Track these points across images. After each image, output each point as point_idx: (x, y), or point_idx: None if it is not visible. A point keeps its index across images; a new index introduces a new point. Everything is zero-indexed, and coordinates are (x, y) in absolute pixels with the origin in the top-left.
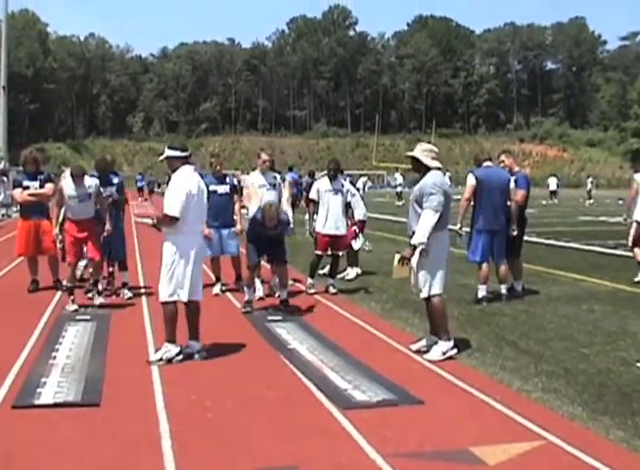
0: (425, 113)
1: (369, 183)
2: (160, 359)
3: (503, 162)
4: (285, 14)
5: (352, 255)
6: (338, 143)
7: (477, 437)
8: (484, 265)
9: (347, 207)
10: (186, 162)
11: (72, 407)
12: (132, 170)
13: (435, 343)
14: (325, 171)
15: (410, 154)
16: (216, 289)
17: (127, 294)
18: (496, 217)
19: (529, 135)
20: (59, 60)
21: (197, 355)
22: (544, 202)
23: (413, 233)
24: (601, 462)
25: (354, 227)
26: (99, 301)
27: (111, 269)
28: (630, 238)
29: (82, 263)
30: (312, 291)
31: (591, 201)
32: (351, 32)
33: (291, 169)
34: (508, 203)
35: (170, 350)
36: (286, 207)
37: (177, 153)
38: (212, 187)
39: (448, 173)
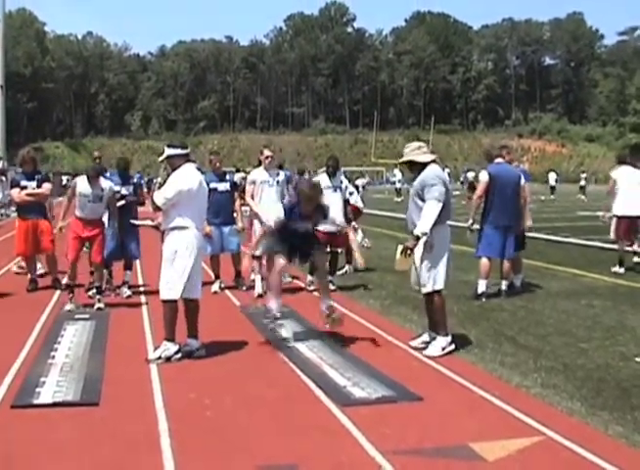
0: (423, 109)
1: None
2: (159, 358)
3: (503, 158)
4: (282, 11)
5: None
6: (336, 140)
7: (476, 433)
8: (486, 260)
9: (346, 203)
10: (187, 160)
11: (71, 407)
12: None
13: (434, 339)
14: (324, 168)
15: (403, 160)
16: (215, 287)
17: (126, 292)
18: (507, 213)
19: (528, 131)
20: (57, 59)
21: (195, 354)
22: (543, 197)
23: (415, 226)
24: (600, 457)
25: (353, 223)
26: (97, 305)
27: (109, 269)
28: (612, 232)
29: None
30: (312, 288)
31: (584, 196)
32: (349, 29)
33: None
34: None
35: (169, 348)
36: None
37: (177, 151)
38: (213, 185)
39: (447, 169)
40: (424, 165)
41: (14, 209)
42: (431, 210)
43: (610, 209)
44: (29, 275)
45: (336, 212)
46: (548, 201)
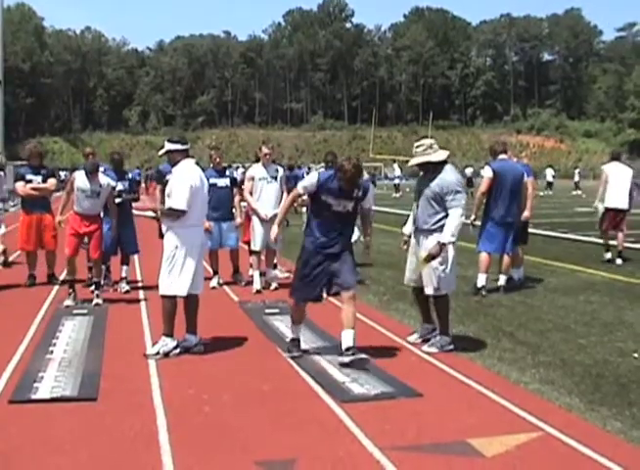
0: (422, 105)
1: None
2: (157, 353)
3: (504, 153)
4: (281, 6)
5: None
6: (335, 135)
7: (474, 428)
8: (486, 255)
9: None
10: (187, 155)
11: (69, 402)
12: (129, 164)
13: (432, 331)
14: (322, 164)
15: (419, 161)
16: (214, 282)
17: (125, 287)
18: (510, 209)
19: (526, 127)
20: (55, 54)
21: (194, 349)
22: (542, 193)
23: (429, 230)
24: (598, 453)
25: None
26: (95, 301)
27: (107, 264)
28: (600, 223)
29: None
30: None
31: (579, 192)
32: (348, 24)
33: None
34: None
35: (168, 343)
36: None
37: (178, 146)
38: (212, 180)
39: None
40: (438, 165)
41: (12, 203)
42: (457, 219)
43: (603, 199)
44: (29, 270)
45: None
46: (546, 197)
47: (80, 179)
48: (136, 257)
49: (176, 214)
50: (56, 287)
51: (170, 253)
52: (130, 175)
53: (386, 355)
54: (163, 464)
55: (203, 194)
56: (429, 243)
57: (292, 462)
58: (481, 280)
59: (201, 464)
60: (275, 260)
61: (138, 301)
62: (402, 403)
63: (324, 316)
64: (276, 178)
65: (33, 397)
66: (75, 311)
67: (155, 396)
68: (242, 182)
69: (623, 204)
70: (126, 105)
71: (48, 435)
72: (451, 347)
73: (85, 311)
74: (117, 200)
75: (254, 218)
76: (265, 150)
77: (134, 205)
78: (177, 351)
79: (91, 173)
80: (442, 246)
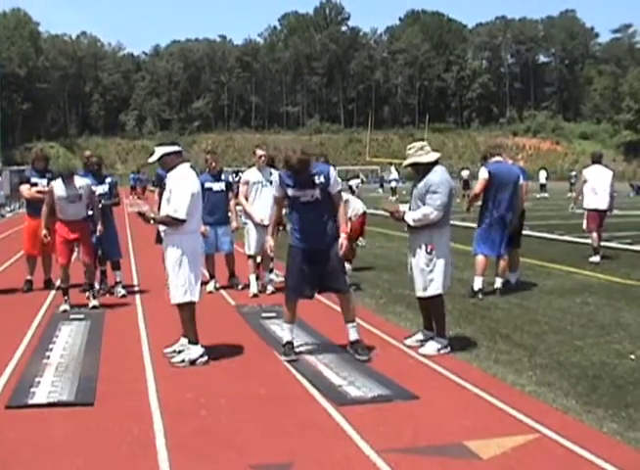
0: (418, 107)
1: (360, 180)
2: (183, 361)
3: (498, 156)
4: (276, 10)
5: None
6: (331, 139)
7: (471, 431)
8: (482, 257)
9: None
10: (183, 159)
11: (66, 407)
12: (126, 169)
13: (430, 338)
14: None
15: (407, 163)
16: (210, 286)
17: (121, 292)
18: (505, 211)
19: (523, 129)
20: (51, 59)
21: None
22: (538, 195)
23: (417, 229)
24: (595, 455)
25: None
26: (92, 303)
27: (103, 268)
28: (587, 226)
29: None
30: None
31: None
32: (344, 28)
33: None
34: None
35: (193, 351)
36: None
37: (174, 148)
38: (208, 184)
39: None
40: (429, 166)
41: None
42: (426, 213)
43: (580, 202)
44: (27, 275)
45: None
46: (541, 198)
47: (58, 188)
48: (132, 260)
49: (176, 223)
50: (53, 292)
51: (176, 260)
52: (109, 180)
53: (382, 358)
54: (160, 468)
55: (200, 199)
56: (414, 249)
57: (288, 466)
58: (478, 283)
59: (197, 468)
60: (271, 265)
61: (135, 305)
62: (399, 406)
63: (321, 319)
64: (271, 182)
65: (30, 401)
66: (72, 316)
67: (151, 400)
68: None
69: (603, 205)
70: (122, 109)
71: (45, 440)
72: (448, 349)
73: (82, 316)
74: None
75: (249, 223)
76: (259, 152)
77: (129, 207)
78: (205, 359)
79: (67, 178)
80: (402, 217)
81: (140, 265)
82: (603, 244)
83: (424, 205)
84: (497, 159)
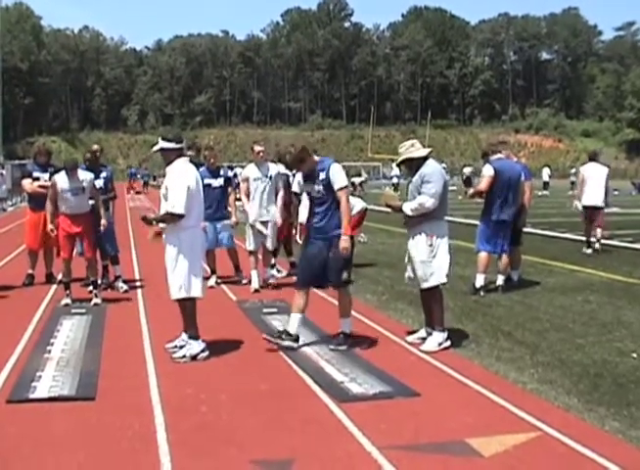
0: (420, 104)
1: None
2: (184, 356)
3: (500, 153)
4: (279, 6)
5: None
6: (333, 135)
7: (472, 428)
8: (485, 254)
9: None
10: (181, 154)
11: (68, 401)
12: (128, 163)
13: (430, 334)
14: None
15: (400, 159)
16: (211, 281)
17: (123, 287)
18: (507, 208)
19: (525, 126)
20: (53, 53)
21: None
22: (540, 193)
23: (414, 223)
24: (596, 453)
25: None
26: (94, 301)
27: (105, 263)
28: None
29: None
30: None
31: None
32: (346, 24)
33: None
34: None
35: (194, 346)
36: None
37: (172, 144)
38: (207, 180)
39: (443, 164)
40: (421, 161)
41: (10, 203)
42: (422, 202)
43: (580, 199)
44: (28, 269)
45: None
46: (543, 196)
47: (61, 180)
48: (134, 255)
49: (175, 219)
50: (54, 286)
51: (174, 256)
52: (105, 173)
53: (384, 355)
54: (161, 463)
55: (199, 194)
56: (415, 242)
57: (289, 462)
58: (480, 280)
59: (198, 463)
60: (273, 261)
61: (136, 300)
62: (400, 403)
63: (322, 315)
64: (270, 177)
65: (31, 396)
66: (74, 311)
67: (153, 395)
68: (237, 183)
69: (597, 201)
70: (124, 104)
71: (46, 434)
72: (448, 343)
73: (83, 311)
74: (91, 201)
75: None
76: (257, 148)
77: (132, 205)
78: (206, 354)
79: (71, 171)
80: (399, 209)
81: (142, 260)
82: (604, 242)
83: (420, 195)
84: (499, 156)
